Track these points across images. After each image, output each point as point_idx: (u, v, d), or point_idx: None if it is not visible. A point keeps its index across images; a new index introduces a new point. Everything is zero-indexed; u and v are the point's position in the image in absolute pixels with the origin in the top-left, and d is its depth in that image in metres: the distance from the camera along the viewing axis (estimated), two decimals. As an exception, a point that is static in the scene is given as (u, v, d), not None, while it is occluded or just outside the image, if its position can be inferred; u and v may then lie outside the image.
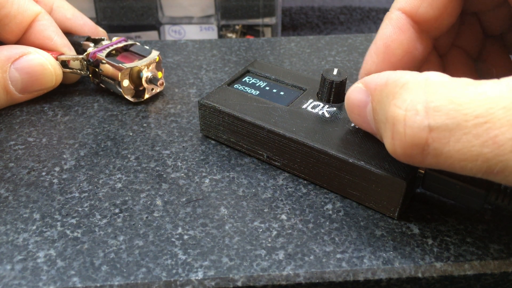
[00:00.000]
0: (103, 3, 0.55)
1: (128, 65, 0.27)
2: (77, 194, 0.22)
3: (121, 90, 0.28)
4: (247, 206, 0.22)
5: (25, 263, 0.19)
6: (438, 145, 0.16)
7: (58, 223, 0.21)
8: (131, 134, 0.26)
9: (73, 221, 0.21)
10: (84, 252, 0.19)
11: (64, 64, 0.29)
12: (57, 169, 0.24)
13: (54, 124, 0.27)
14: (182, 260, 0.19)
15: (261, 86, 0.26)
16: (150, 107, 0.28)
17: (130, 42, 0.30)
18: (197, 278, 0.18)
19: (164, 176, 0.23)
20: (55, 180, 0.23)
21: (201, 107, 0.25)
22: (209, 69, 0.32)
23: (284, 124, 0.23)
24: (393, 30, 0.22)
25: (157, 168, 0.24)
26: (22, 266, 0.19)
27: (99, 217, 0.21)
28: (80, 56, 0.29)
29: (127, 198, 0.22)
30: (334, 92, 0.24)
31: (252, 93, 0.25)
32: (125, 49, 0.30)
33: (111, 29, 0.56)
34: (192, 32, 0.58)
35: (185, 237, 0.20)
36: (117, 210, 0.21)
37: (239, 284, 0.18)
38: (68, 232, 0.20)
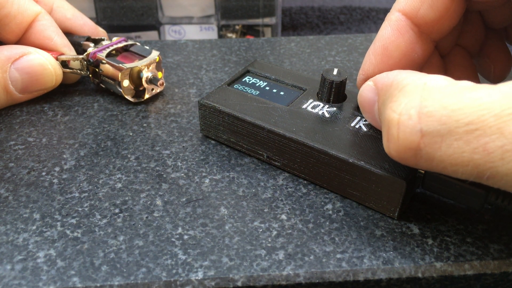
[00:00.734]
0: (103, 3, 0.55)
1: (128, 65, 0.27)
2: (77, 194, 0.22)
3: (121, 90, 0.28)
4: (247, 206, 0.22)
5: (25, 263, 0.19)
6: (430, 150, 0.16)
7: (58, 223, 0.21)
8: (131, 134, 0.26)
9: (73, 221, 0.21)
10: (84, 252, 0.19)
11: (64, 64, 0.29)
12: (57, 169, 0.24)
13: (54, 124, 0.27)
14: (182, 260, 0.19)
15: (261, 86, 0.26)
16: (150, 107, 0.28)
17: (130, 42, 0.30)
18: (197, 278, 0.18)
19: (164, 176, 0.23)
20: (55, 180, 0.23)
21: (201, 107, 0.25)
22: (209, 69, 0.32)
23: (284, 124, 0.23)
24: (392, 32, 0.22)
25: (157, 168, 0.24)
26: (22, 266, 0.19)
27: (99, 217, 0.21)
28: (80, 56, 0.29)
29: (127, 198, 0.22)
30: (334, 92, 0.24)
31: (252, 93, 0.25)
32: (125, 49, 0.30)
33: (111, 29, 0.56)
34: (192, 32, 0.58)
35: (185, 237, 0.20)
36: (117, 210, 0.21)
37: (239, 284, 0.18)
38: (68, 232, 0.20)
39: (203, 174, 0.23)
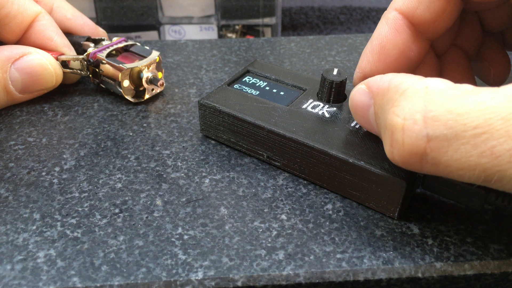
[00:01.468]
0: (103, 3, 0.55)
1: (129, 65, 0.27)
2: (77, 194, 0.22)
3: (121, 91, 0.28)
4: (247, 206, 0.22)
5: (25, 263, 0.19)
6: (436, 155, 0.16)
7: (58, 223, 0.21)
8: (131, 134, 0.26)
9: (73, 221, 0.21)
10: (84, 252, 0.19)
11: (64, 64, 0.29)
12: (57, 169, 0.24)
13: (54, 124, 0.27)
14: (182, 260, 0.19)
15: (261, 86, 0.26)
16: (150, 107, 0.28)
17: (130, 42, 0.30)
18: (197, 278, 0.18)
19: (164, 176, 0.23)
20: (55, 180, 0.23)
21: (201, 107, 0.25)
22: (209, 69, 0.32)
23: (284, 124, 0.23)
24: (389, 30, 0.22)
25: (157, 168, 0.24)
26: (22, 266, 0.19)
27: (99, 217, 0.21)
28: (80, 56, 0.29)
29: (127, 198, 0.22)
30: (334, 92, 0.24)
31: (252, 93, 0.25)
32: (125, 49, 0.30)
33: (111, 29, 0.56)
34: (192, 32, 0.58)
35: (185, 237, 0.20)
36: (117, 210, 0.21)
37: (239, 284, 0.18)
38: (68, 232, 0.20)
39: (203, 174, 0.23)
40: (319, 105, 0.24)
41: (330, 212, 0.21)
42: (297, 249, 0.20)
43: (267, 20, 0.57)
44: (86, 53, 0.28)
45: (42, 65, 0.27)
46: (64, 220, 0.21)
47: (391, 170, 0.20)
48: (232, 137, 0.24)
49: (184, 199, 0.22)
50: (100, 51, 0.28)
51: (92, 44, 0.30)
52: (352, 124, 0.23)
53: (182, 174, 0.23)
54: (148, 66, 0.28)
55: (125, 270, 0.19)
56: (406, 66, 0.22)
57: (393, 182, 0.20)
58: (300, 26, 0.68)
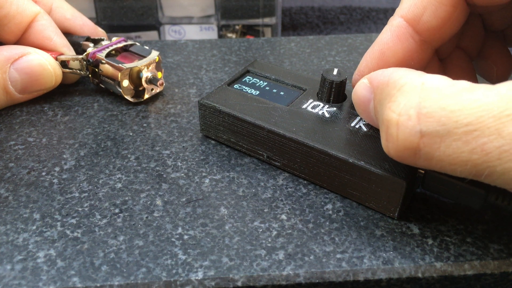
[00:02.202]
0: (103, 3, 0.55)
1: (128, 65, 0.27)
2: (77, 194, 0.22)
3: (120, 90, 0.28)
4: (247, 206, 0.22)
5: (25, 263, 0.19)
6: (429, 150, 0.16)
7: (58, 223, 0.21)
8: (131, 134, 0.26)
9: (73, 221, 0.21)
10: (84, 252, 0.19)
11: (64, 64, 0.29)
12: (57, 169, 0.24)
13: (54, 124, 0.27)
14: (182, 260, 0.19)
15: (261, 86, 0.26)
16: (150, 107, 0.28)
17: (129, 42, 0.30)
18: (197, 278, 0.18)
19: (164, 176, 0.23)
20: (55, 180, 0.23)
21: (201, 107, 0.25)
22: (209, 69, 0.32)
23: (284, 124, 0.23)
24: (391, 38, 0.22)
25: (157, 168, 0.24)
26: (22, 266, 0.19)
27: (99, 217, 0.21)
28: (80, 56, 0.29)
29: (127, 198, 0.22)
30: (334, 92, 0.24)
31: (252, 93, 0.25)
32: (125, 49, 0.30)
33: (111, 29, 0.56)
34: (192, 32, 0.58)
35: (185, 237, 0.20)
36: (117, 210, 0.21)
37: (239, 284, 0.18)
38: (68, 232, 0.20)
39: (203, 174, 0.23)
40: (319, 105, 0.24)
41: (330, 212, 0.21)
42: (297, 249, 0.19)
43: (267, 20, 0.57)
44: (85, 53, 0.28)
45: (42, 65, 0.27)
46: (64, 220, 0.21)
47: (391, 170, 0.20)
48: (232, 137, 0.24)
49: (184, 199, 0.22)
50: (99, 51, 0.28)
51: (91, 44, 0.30)
52: (352, 124, 0.23)
53: (182, 174, 0.23)
54: (148, 66, 0.28)
55: (125, 270, 0.19)
56: None
57: (393, 182, 0.20)
58: (300, 26, 0.68)
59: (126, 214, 0.21)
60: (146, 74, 0.28)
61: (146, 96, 0.29)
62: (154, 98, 0.29)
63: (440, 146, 0.16)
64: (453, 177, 0.19)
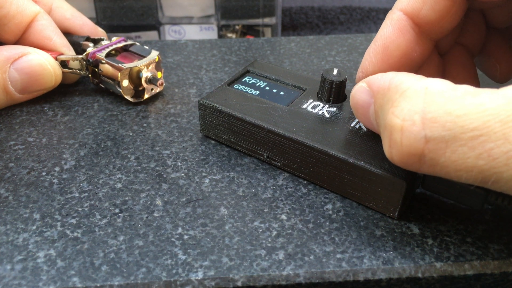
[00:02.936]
0: (103, 3, 0.55)
1: (128, 65, 0.27)
2: (77, 194, 0.22)
3: (120, 90, 0.28)
4: (247, 206, 0.22)
5: (25, 263, 0.19)
6: (434, 156, 0.16)
7: (58, 223, 0.21)
8: (131, 134, 0.26)
9: (73, 221, 0.21)
10: (84, 252, 0.19)
11: (64, 64, 0.29)
12: (57, 169, 0.23)
13: (54, 124, 0.27)
14: (182, 260, 0.19)
15: (261, 86, 0.26)
16: (150, 107, 0.28)
17: (129, 42, 0.30)
18: (197, 278, 0.18)
19: (164, 176, 0.23)
20: (55, 180, 0.23)
21: (201, 107, 0.25)
22: (209, 69, 0.32)
23: (284, 124, 0.23)
24: (393, 31, 0.22)
25: (157, 168, 0.24)
26: (22, 266, 0.19)
27: (99, 217, 0.21)
28: (80, 56, 0.29)
29: (127, 198, 0.22)
30: (334, 92, 0.24)
31: (252, 93, 0.25)
32: (125, 49, 0.30)
33: (111, 29, 0.56)
34: (192, 32, 0.58)
35: (185, 237, 0.20)
36: (117, 210, 0.21)
37: (239, 284, 0.18)
38: (68, 232, 0.20)
39: (203, 174, 0.23)
40: (319, 105, 0.24)
41: (330, 212, 0.21)
42: (297, 249, 0.19)
43: (267, 20, 0.57)
44: (85, 53, 0.28)
45: (41, 65, 0.27)
46: (64, 220, 0.21)
47: (391, 170, 0.20)
48: (232, 137, 0.24)
49: (184, 199, 0.22)
50: (99, 51, 0.28)
51: (91, 44, 0.30)
52: (352, 124, 0.23)
53: (182, 174, 0.23)
54: (148, 65, 0.28)
55: (125, 270, 0.19)
56: (409, 67, 0.22)
57: (393, 182, 0.20)
58: (300, 26, 0.68)
59: (126, 214, 0.21)
60: (146, 74, 0.28)
61: (146, 96, 0.29)
62: (154, 98, 0.29)
63: (445, 151, 0.15)
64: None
